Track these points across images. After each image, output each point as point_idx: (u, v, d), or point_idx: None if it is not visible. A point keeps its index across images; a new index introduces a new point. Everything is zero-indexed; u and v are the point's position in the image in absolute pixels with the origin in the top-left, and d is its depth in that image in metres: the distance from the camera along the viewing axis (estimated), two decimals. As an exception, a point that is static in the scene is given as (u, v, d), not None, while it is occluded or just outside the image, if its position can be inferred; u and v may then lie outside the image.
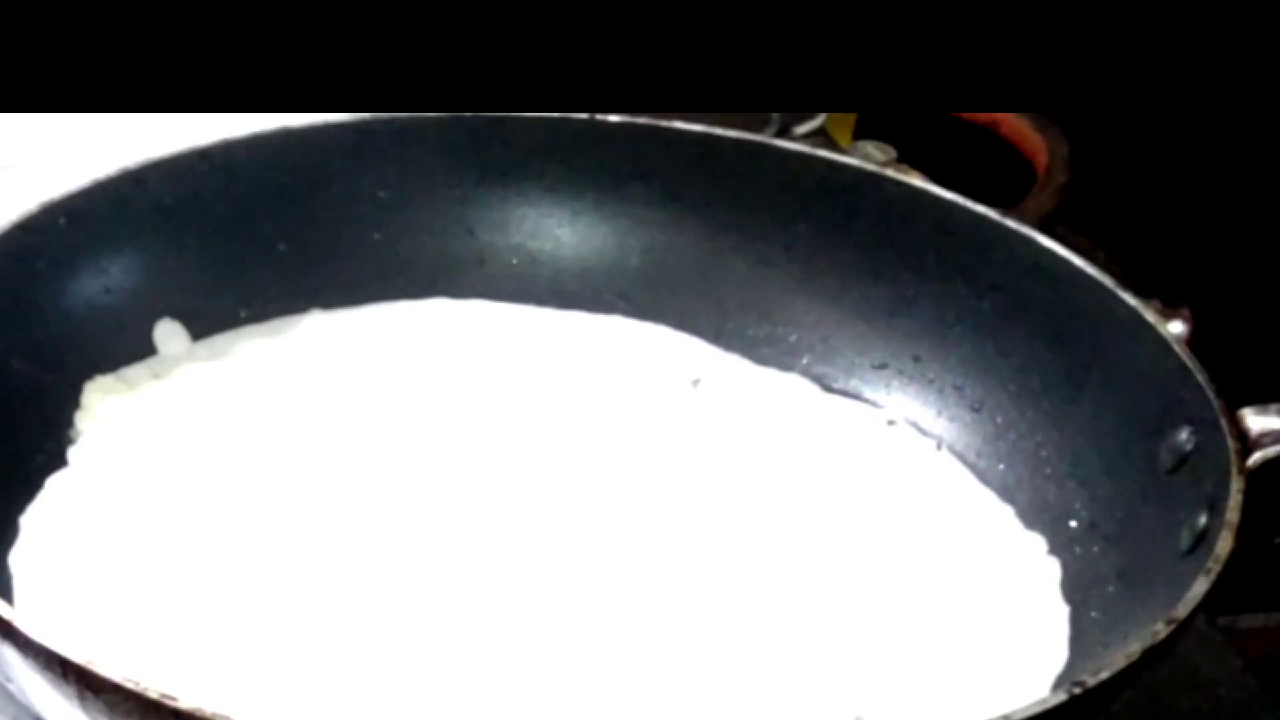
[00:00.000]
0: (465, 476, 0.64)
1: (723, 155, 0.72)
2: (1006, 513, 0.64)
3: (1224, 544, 0.53)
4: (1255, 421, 0.57)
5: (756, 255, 0.72)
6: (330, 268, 0.72)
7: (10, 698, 0.54)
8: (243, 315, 0.70)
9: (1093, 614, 0.59)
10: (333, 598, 0.58)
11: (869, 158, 0.88)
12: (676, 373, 0.69)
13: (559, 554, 0.60)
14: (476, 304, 0.73)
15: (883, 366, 0.69)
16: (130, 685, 0.46)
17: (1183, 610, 0.50)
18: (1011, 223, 0.68)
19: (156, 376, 0.67)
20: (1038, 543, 0.63)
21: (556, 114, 0.72)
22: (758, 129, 0.84)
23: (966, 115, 0.97)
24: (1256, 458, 0.56)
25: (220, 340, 0.69)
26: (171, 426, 0.65)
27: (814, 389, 0.70)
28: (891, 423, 0.68)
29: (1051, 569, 0.61)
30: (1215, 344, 0.63)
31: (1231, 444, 0.56)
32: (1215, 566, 0.52)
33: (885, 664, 0.57)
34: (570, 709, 0.54)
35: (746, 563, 0.61)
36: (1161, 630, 0.50)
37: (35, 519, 0.60)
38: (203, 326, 0.69)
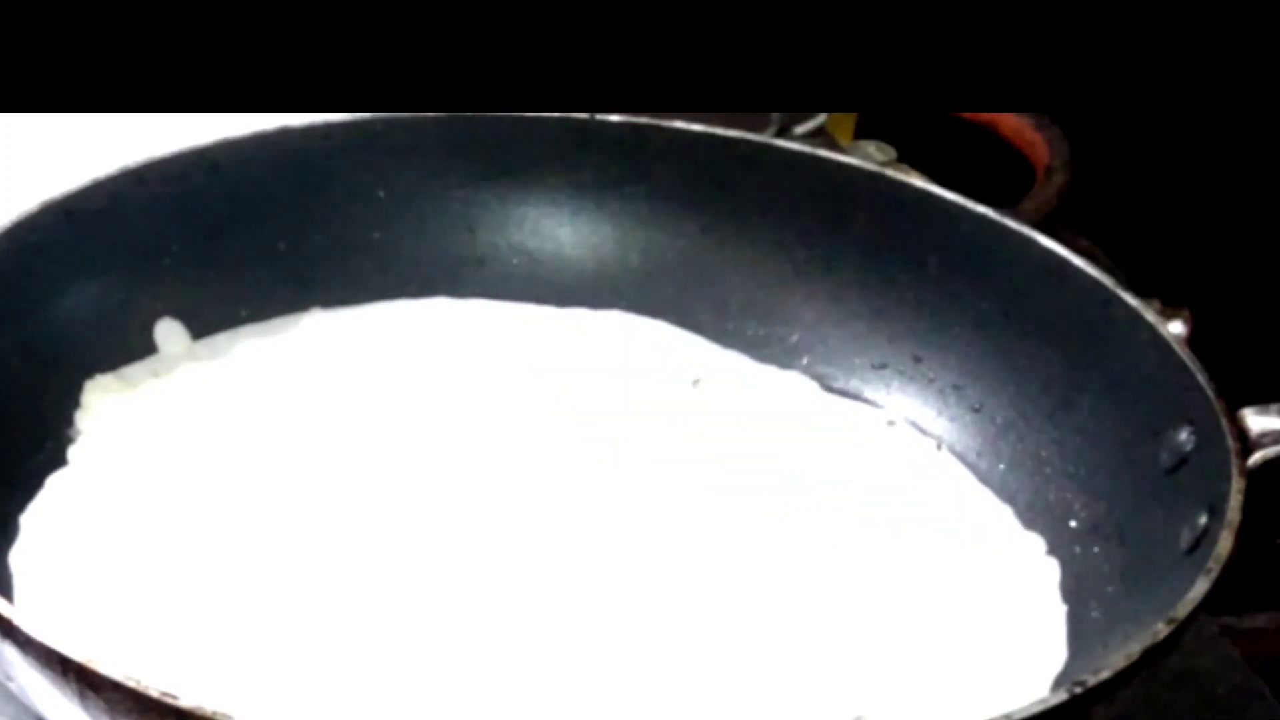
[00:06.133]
0: (465, 475, 0.64)
1: (723, 155, 0.72)
2: (1006, 513, 0.64)
3: (1224, 544, 0.53)
4: (1255, 421, 0.57)
5: (756, 255, 0.72)
6: (330, 268, 0.72)
7: (10, 697, 0.54)
8: (243, 315, 0.70)
9: (1093, 614, 0.59)
10: (333, 597, 0.58)
11: (869, 158, 0.88)
12: (676, 372, 0.69)
13: (559, 553, 0.60)
14: (476, 303, 0.73)
15: (883, 366, 0.69)
16: (130, 683, 0.46)
17: (1183, 610, 0.50)
18: (1011, 223, 0.68)
19: (156, 376, 0.67)
20: (1037, 543, 0.63)
21: (556, 114, 0.72)
22: (758, 129, 0.84)
23: (966, 115, 0.97)
24: (1256, 458, 0.56)
25: (220, 340, 0.69)
26: (171, 426, 0.65)
27: (814, 389, 0.70)
28: (891, 423, 0.68)
29: (1051, 569, 0.61)
30: (1215, 344, 0.63)
31: (1231, 444, 0.56)
32: (1215, 566, 0.52)
33: (885, 664, 0.57)
34: (570, 709, 0.54)
35: (746, 562, 0.61)
36: (1161, 630, 0.50)
37: (35, 518, 0.60)
38: (203, 326, 0.69)
